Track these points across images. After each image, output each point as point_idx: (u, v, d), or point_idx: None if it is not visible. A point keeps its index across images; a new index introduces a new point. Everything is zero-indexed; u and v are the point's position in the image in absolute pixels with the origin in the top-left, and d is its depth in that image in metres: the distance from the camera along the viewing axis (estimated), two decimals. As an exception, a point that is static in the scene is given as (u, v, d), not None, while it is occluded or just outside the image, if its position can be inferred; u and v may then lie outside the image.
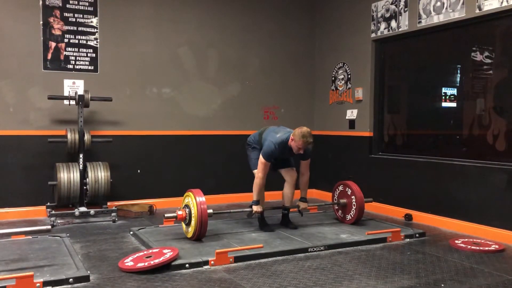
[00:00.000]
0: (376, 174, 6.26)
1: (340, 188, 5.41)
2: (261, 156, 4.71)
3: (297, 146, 4.56)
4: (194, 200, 4.31)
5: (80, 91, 5.79)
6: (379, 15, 6.24)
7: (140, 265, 3.65)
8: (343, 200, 5.32)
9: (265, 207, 4.96)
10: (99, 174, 5.57)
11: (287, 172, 5.00)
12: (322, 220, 5.50)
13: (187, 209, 4.41)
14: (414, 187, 5.76)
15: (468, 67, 5.52)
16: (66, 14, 5.86)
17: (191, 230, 4.38)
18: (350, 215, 5.22)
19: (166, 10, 6.43)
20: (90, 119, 5.98)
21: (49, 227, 3.87)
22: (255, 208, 4.76)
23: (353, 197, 5.19)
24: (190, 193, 4.44)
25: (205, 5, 6.68)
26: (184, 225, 4.54)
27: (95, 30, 6.02)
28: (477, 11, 4.98)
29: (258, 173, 4.74)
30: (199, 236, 4.36)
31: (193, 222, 4.33)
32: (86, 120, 5.81)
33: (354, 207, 5.16)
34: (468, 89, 5.55)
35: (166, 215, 4.45)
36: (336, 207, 5.48)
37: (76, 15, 5.91)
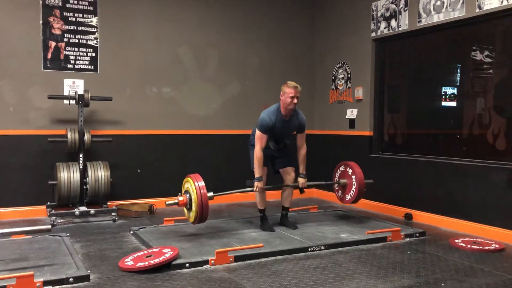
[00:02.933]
0: (376, 174, 6.23)
1: (342, 168, 5.38)
2: (257, 131, 4.70)
3: (288, 95, 4.58)
4: (193, 185, 4.31)
5: (80, 91, 5.78)
6: (379, 14, 6.24)
7: (140, 264, 3.65)
8: (343, 180, 5.30)
9: (266, 206, 4.97)
10: (99, 173, 5.57)
11: (286, 171, 4.98)
12: (322, 219, 5.50)
13: (187, 195, 4.41)
14: (414, 186, 5.76)
15: (468, 67, 5.52)
16: (66, 14, 5.85)
17: (192, 215, 4.37)
18: (350, 194, 5.20)
19: (166, 10, 6.43)
20: (90, 119, 5.98)
21: (49, 226, 3.85)
22: (257, 183, 4.72)
23: (353, 176, 5.17)
24: (189, 178, 4.44)
25: (205, 4, 6.68)
26: (185, 210, 4.55)
27: (95, 30, 6.02)
28: (477, 10, 4.98)
29: (256, 147, 4.70)
30: (201, 220, 4.36)
31: (194, 207, 4.33)
32: (86, 120, 5.81)
33: (354, 187, 5.14)
34: (468, 89, 5.55)
35: (167, 202, 4.44)
36: (336, 187, 5.46)
37: (76, 15, 5.91)
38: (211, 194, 4.40)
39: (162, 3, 6.40)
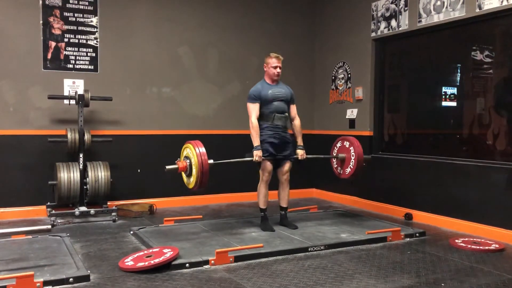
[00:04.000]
0: (376, 174, 6.26)
1: (339, 143, 5.36)
2: (248, 104, 4.88)
3: (271, 65, 4.86)
4: (194, 151, 4.30)
5: (80, 91, 5.78)
6: (379, 14, 6.24)
7: (140, 264, 3.65)
8: (342, 154, 5.27)
9: (268, 206, 4.96)
10: (99, 173, 5.57)
11: (281, 171, 4.96)
12: (322, 219, 5.49)
13: (187, 160, 4.40)
14: (414, 186, 5.75)
15: (468, 66, 5.52)
16: (66, 14, 5.85)
17: (192, 180, 4.37)
18: (349, 167, 5.17)
19: (166, 10, 6.43)
20: (90, 119, 5.98)
21: (49, 226, 3.85)
22: (256, 152, 4.73)
23: (351, 148, 5.14)
24: (189, 144, 4.44)
25: (205, 4, 6.68)
26: (184, 176, 4.54)
27: (95, 30, 6.02)
28: (477, 10, 4.98)
29: (250, 119, 4.83)
30: (201, 185, 4.36)
31: (194, 172, 4.32)
32: (86, 120, 5.81)
33: (353, 159, 5.12)
34: (468, 88, 5.55)
35: (167, 167, 4.42)
36: (335, 163, 5.43)
37: (76, 15, 5.91)
38: (211, 161, 4.40)
39: (162, 3, 6.40)
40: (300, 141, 5.05)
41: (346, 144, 5.23)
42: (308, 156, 5.06)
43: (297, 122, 5.09)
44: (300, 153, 4.99)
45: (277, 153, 4.88)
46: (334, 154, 5.40)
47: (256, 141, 4.76)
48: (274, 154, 4.86)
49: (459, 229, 5.12)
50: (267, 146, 4.80)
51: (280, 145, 4.88)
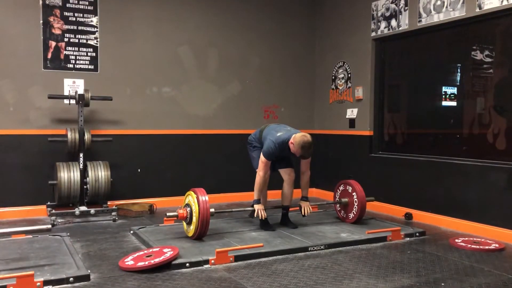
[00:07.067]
0: (376, 173, 6.26)
1: (342, 187, 5.40)
2: (261, 155, 4.73)
3: (293, 151, 4.63)
4: (197, 199, 4.30)
5: (80, 90, 5.79)
6: (379, 14, 6.24)
7: (141, 264, 3.66)
8: (344, 199, 5.31)
9: (266, 206, 4.96)
10: (100, 173, 5.57)
11: (285, 171, 4.99)
12: (322, 219, 5.50)
13: (188, 208, 4.41)
14: (414, 186, 5.76)
15: (468, 66, 5.52)
16: (66, 14, 5.85)
17: (192, 229, 4.37)
18: (353, 213, 5.21)
19: (166, 9, 6.43)
20: (90, 118, 5.98)
21: (50, 226, 3.85)
22: (257, 207, 4.76)
23: (354, 194, 5.18)
24: (192, 192, 4.44)
25: (205, 4, 6.68)
26: (185, 224, 4.55)
27: (95, 30, 6.02)
28: (477, 10, 4.98)
29: (259, 172, 4.76)
30: (200, 235, 4.36)
31: (194, 221, 4.32)
32: (86, 120, 5.81)
33: (356, 205, 5.15)
34: (468, 88, 5.55)
35: (168, 214, 4.47)
36: (338, 206, 5.47)
37: (76, 14, 5.91)
38: (212, 210, 4.41)
39: (162, 3, 6.40)
40: (305, 193, 5.03)
41: (349, 188, 5.27)
42: (311, 204, 5.08)
43: (306, 177, 4.96)
44: (303, 205, 4.99)
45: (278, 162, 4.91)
46: (337, 199, 5.44)
47: (257, 195, 4.77)
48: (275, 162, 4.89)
49: (459, 229, 5.12)
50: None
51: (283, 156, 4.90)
